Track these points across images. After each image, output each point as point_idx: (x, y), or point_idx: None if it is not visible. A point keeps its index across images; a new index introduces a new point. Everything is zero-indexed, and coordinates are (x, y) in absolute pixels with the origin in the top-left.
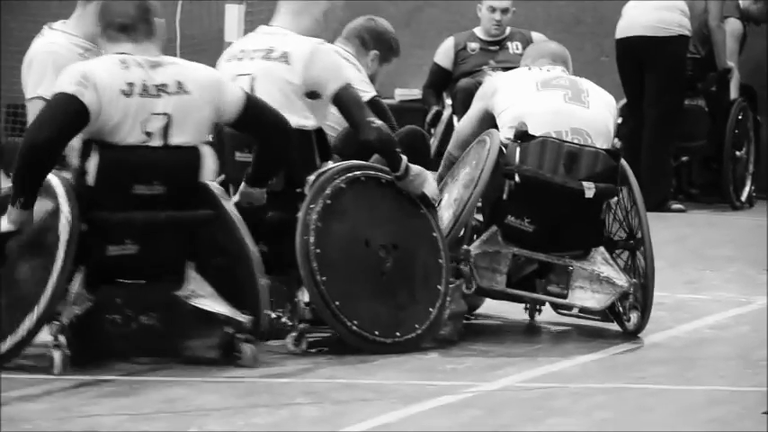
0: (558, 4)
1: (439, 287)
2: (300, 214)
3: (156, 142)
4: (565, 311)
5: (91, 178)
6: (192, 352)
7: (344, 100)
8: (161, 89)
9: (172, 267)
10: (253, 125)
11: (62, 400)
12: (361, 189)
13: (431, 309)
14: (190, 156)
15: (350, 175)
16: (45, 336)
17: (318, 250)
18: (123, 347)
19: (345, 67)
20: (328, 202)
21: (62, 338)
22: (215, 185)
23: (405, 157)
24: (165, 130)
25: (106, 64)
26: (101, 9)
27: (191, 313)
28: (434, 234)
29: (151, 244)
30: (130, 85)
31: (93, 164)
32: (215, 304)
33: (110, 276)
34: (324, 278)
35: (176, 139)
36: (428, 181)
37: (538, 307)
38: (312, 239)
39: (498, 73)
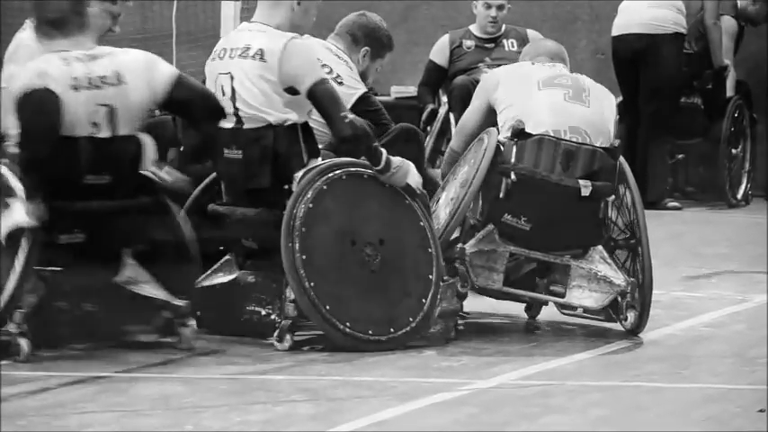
0: (553, 3)
1: (430, 277)
2: (283, 220)
3: (105, 133)
4: (568, 312)
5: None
6: (133, 336)
7: (318, 95)
8: (103, 80)
9: (112, 254)
10: (182, 105)
11: (57, 397)
12: (342, 188)
13: (423, 300)
14: (132, 145)
15: (330, 175)
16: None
17: (304, 256)
18: (70, 334)
19: (326, 62)
20: (310, 205)
21: (25, 326)
22: (150, 173)
23: (384, 150)
24: (111, 121)
25: (50, 62)
26: (33, 6)
27: (130, 299)
28: (422, 224)
29: (96, 232)
30: (76, 79)
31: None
32: (152, 289)
33: (56, 264)
34: (312, 284)
35: (122, 129)
36: (411, 172)
37: (533, 305)
38: (297, 246)
39: (501, 66)
